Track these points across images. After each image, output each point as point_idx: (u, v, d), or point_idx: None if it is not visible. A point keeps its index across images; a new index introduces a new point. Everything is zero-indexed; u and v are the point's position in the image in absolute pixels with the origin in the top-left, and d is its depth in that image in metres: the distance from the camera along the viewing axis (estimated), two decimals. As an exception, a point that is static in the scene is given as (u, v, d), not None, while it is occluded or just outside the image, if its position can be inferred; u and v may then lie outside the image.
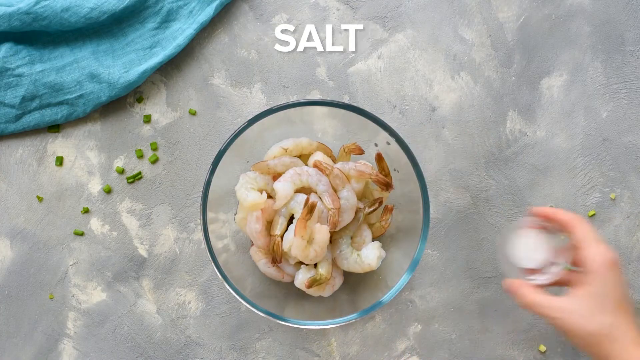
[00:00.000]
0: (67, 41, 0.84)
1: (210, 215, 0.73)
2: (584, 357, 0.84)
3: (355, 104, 0.76)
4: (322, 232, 0.73)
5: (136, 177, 0.85)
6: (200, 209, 0.72)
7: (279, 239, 0.75)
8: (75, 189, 0.86)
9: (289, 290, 0.79)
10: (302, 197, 0.75)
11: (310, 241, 0.73)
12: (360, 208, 0.77)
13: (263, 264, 0.77)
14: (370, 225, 0.79)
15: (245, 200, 0.74)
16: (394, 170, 0.77)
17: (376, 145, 0.78)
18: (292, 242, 0.73)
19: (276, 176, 0.76)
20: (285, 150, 0.78)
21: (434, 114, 0.86)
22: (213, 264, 0.72)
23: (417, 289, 0.84)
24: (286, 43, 0.86)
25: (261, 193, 0.75)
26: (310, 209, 0.72)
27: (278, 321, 0.72)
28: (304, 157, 0.79)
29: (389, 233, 0.80)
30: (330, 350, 0.84)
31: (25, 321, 0.85)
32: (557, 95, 0.86)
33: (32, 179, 0.85)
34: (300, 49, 0.86)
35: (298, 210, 0.74)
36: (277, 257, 0.75)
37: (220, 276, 0.72)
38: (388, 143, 0.75)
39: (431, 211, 0.84)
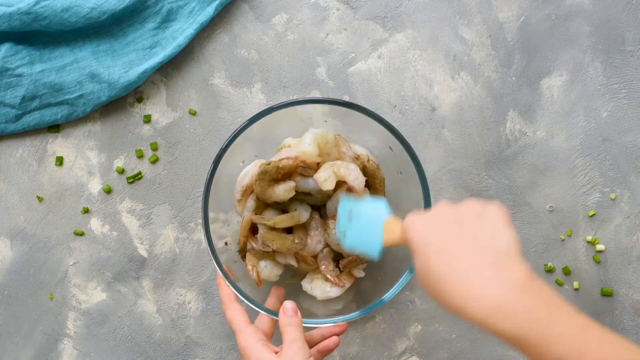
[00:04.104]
0: (67, 41, 0.84)
1: (210, 215, 0.73)
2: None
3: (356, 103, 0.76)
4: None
5: (136, 177, 0.85)
6: (202, 207, 0.72)
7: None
8: (75, 189, 0.85)
9: (289, 290, 0.79)
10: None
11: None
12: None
13: (263, 266, 0.77)
14: None
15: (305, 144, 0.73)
16: (398, 172, 0.77)
17: (391, 149, 0.76)
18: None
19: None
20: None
21: (434, 114, 0.86)
22: (214, 261, 0.71)
23: (417, 289, 0.84)
24: (286, 42, 0.86)
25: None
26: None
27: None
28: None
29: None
30: (330, 350, 0.84)
31: (25, 321, 0.84)
32: (557, 95, 0.86)
33: (32, 179, 0.85)
34: (300, 48, 0.86)
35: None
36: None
37: (221, 274, 0.71)
38: (390, 148, 0.74)
39: (431, 211, 0.84)
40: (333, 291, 0.76)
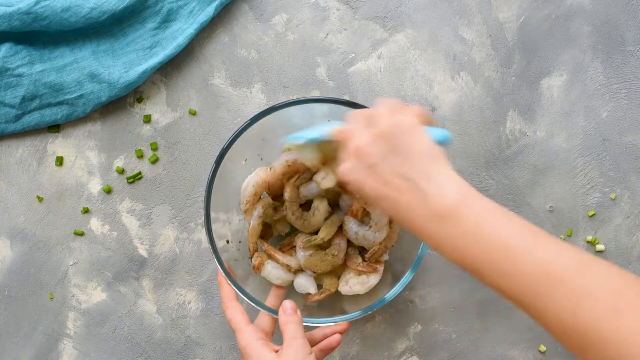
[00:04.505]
0: (67, 41, 0.84)
1: (211, 214, 0.73)
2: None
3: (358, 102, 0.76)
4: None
5: (136, 177, 0.85)
6: (204, 206, 0.72)
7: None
8: (75, 189, 0.85)
9: (290, 290, 0.79)
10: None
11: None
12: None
13: (271, 266, 0.76)
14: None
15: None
16: None
17: None
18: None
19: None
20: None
21: (434, 114, 0.86)
22: (215, 259, 0.71)
23: (417, 289, 0.84)
24: (286, 42, 0.87)
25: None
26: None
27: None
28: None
29: (389, 233, 0.80)
30: (331, 350, 0.84)
31: (25, 321, 0.84)
32: (557, 95, 0.86)
33: (32, 179, 0.85)
34: (300, 48, 0.86)
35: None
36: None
37: (222, 272, 0.71)
38: None
39: (431, 211, 0.84)
40: (372, 278, 0.76)
